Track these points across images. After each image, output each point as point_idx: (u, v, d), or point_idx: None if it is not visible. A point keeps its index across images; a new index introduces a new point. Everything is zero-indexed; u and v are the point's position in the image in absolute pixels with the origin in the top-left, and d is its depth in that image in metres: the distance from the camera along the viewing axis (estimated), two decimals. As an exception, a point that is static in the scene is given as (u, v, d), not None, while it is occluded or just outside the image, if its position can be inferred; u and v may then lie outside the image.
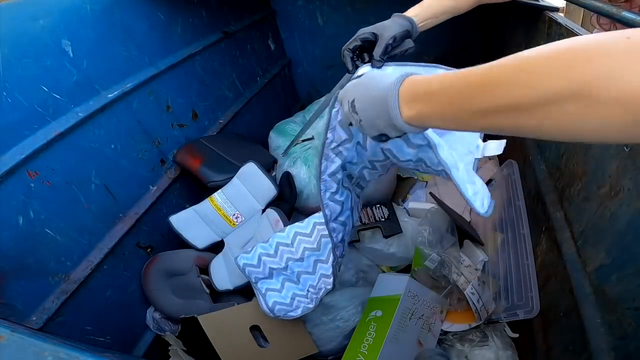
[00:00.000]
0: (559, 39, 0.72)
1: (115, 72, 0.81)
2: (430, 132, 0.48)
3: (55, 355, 0.27)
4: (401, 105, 0.37)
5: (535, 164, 0.80)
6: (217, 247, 0.95)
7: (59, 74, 0.69)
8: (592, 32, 0.70)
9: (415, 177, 1.26)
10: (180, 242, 0.93)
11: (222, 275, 0.89)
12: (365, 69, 0.58)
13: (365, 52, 0.64)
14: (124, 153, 0.83)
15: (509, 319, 0.78)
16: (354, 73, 0.61)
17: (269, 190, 0.95)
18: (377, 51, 0.60)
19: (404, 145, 0.53)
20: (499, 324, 0.82)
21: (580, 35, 0.63)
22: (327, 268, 0.79)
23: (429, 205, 1.05)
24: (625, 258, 0.46)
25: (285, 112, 1.59)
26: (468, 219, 1.06)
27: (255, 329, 0.82)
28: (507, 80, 0.27)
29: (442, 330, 0.87)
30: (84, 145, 0.73)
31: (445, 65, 0.57)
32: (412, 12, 0.68)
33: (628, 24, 0.53)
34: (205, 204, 0.95)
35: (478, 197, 0.45)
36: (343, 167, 0.61)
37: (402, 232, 0.98)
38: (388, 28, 0.63)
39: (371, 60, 0.61)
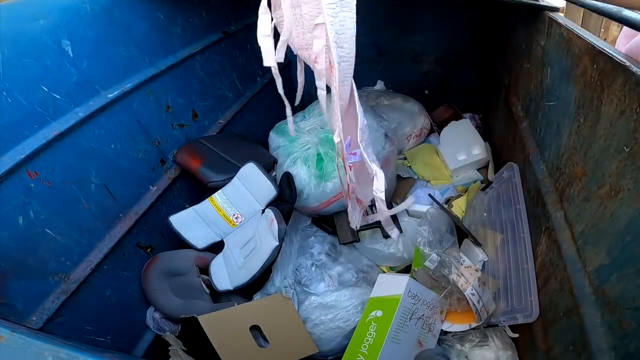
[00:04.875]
0: (559, 39, 0.73)
1: (115, 72, 0.81)
2: None
3: (55, 355, 0.27)
4: None
5: (535, 164, 0.80)
6: (217, 247, 0.95)
7: (59, 74, 0.69)
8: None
9: (416, 177, 1.26)
10: (180, 242, 0.93)
11: (222, 275, 0.89)
12: None
13: None
14: (124, 153, 0.83)
15: (509, 323, 0.78)
16: None
17: (269, 190, 0.95)
18: None
19: None
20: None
21: (580, 35, 0.63)
22: None
23: (429, 205, 1.05)
24: (625, 258, 0.46)
25: (285, 112, 1.58)
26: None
27: (255, 329, 0.82)
28: None
29: (442, 330, 0.87)
30: (84, 145, 0.73)
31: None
32: None
33: (629, 24, 0.53)
34: (205, 204, 0.95)
35: None
36: None
37: (402, 232, 0.98)
38: None
39: None
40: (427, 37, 1.48)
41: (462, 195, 1.18)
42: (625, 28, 1.18)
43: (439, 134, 1.39)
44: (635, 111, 0.45)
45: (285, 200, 0.97)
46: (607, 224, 0.50)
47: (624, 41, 1.03)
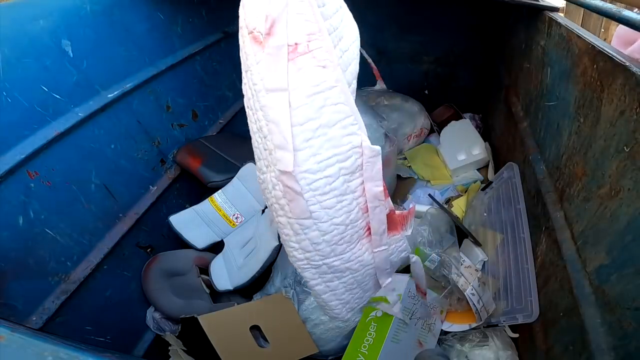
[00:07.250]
0: (559, 39, 0.73)
1: (115, 72, 0.81)
2: None
3: (55, 355, 0.27)
4: None
5: (535, 164, 0.80)
6: (217, 247, 0.96)
7: (59, 74, 0.69)
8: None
9: (416, 177, 1.26)
10: (180, 242, 0.93)
11: (222, 275, 0.89)
12: None
13: None
14: (124, 153, 0.83)
15: (509, 323, 0.78)
16: None
17: (269, 190, 0.95)
18: None
19: None
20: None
21: (580, 35, 0.63)
22: None
23: (429, 205, 1.05)
24: (625, 258, 0.46)
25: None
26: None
27: (255, 329, 0.82)
28: None
29: (442, 330, 0.86)
30: (84, 145, 0.73)
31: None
32: None
33: (629, 24, 0.53)
34: (205, 204, 0.95)
35: None
36: None
37: (402, 232, 0.98)
38: None
39: None
40: (427, 37, 1.48)
41: (462, 195, 1.18)
42: (618, 30, 1.18)
43: (439, 134, 1.39)
44: (635, 111, 0.45)
45: (285, 200, 0.97)
46: (607, 224, 0.50)
47: (616, 41, 1.03)
